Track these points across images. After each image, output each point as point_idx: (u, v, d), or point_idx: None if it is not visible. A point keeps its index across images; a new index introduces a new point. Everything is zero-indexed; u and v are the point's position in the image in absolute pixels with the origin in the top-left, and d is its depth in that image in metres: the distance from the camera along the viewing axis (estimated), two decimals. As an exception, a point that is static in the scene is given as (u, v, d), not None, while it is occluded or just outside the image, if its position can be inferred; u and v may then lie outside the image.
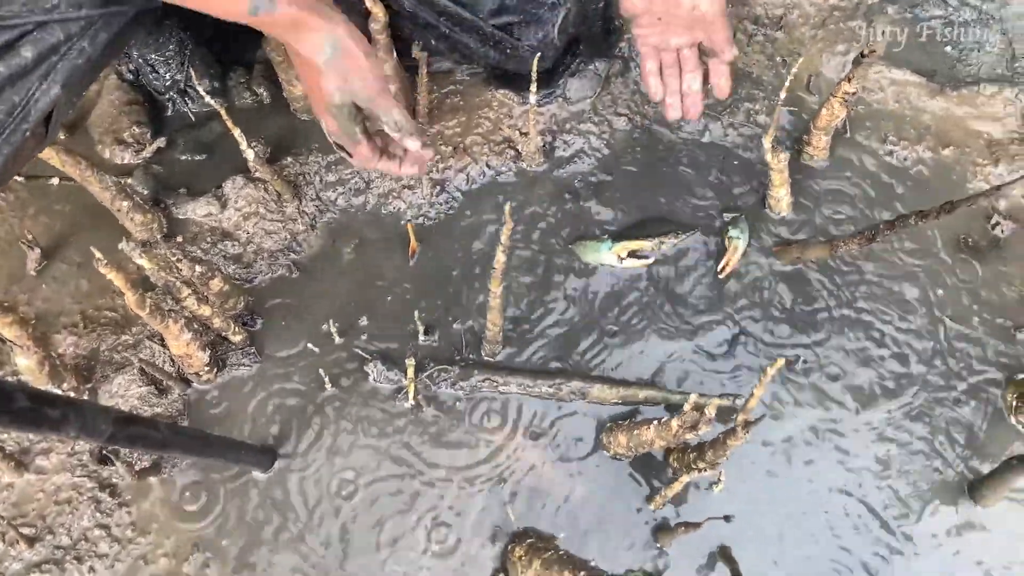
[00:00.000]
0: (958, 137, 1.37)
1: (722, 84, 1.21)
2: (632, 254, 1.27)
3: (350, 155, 1.09)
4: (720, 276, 1.26)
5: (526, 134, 1.31)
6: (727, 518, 1.08)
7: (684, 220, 1.31)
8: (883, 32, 1.02)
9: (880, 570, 1.08)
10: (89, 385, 1.17)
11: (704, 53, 1.20)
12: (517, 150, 1.35)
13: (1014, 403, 1.15)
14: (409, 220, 1.31)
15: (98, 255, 0.90)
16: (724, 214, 1.30)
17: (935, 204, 1.01)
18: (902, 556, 1.08)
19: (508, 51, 1.26)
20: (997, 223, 1.27)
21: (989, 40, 1.47)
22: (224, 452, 1.02)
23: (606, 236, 1.27)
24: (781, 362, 0.76)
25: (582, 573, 0.88)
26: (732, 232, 1.26)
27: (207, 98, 1.17)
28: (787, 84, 1.08)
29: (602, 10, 1.46)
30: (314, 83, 0.99)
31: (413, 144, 1.05)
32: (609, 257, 1.26)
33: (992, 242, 1.27)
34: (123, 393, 1.17)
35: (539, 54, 1.22)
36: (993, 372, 1.18)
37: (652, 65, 1.21)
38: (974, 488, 1.11)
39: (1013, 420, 1.15)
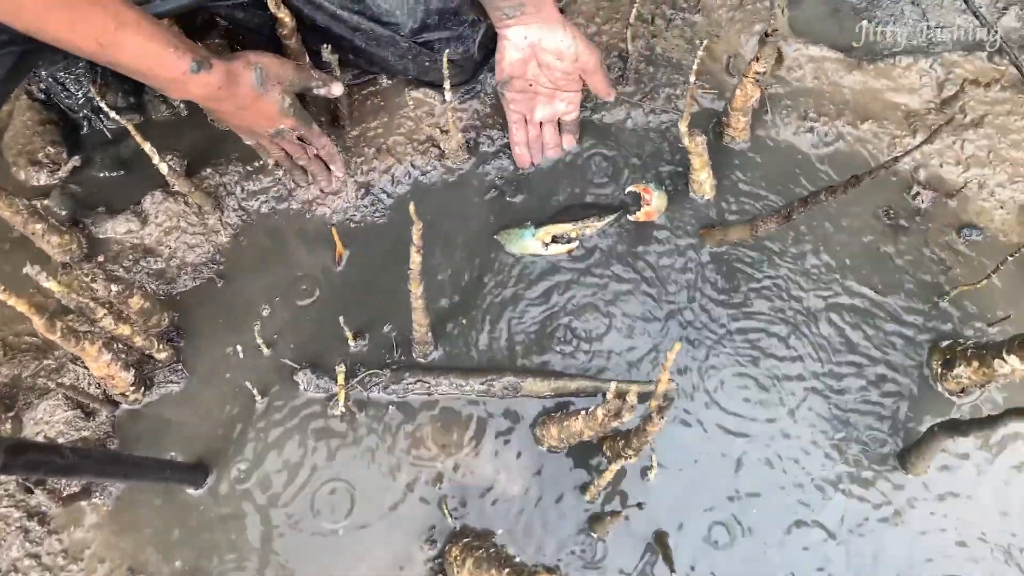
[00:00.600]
0: (876, 110, 1.38)
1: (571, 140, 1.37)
2: (556, 239, 1.26)
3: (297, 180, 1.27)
4: (631, 219, 1.29)
5: (447, 132, 1.30)
6: (639, 505, 1.08)
7: (608, 205, 1.31)
8: (782, 10, 1.02)
9: (816, 542, 1.08)
10: (12, 413, 1.15)
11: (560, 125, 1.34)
12: (440, 148, 1.34)
13: (939, 370, 1.16)
14: (334, 224, 1.30)
15: (-3, 283, 0.88)
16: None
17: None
18: (835, 532, 1.09)
19: (427, 64, 1.28)
20: (917, 193, 1.29)
21: (903, 12, 1.49)
22: (147, 472, 1.00)
23: (528, 223, 1.27)
24: (678, 347, 0.76)
25: (506, 570, 0.88)
26: (643, 183, 1.30)
27: (112, 114, 1.15)
28: (694, 68, 1.09)
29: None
30: (262, 106, 1.13)
31: (337, 89, 1.22)
32: (534, 244, 1.26)
33: (914, 212, 1.29)
34: (48, 419, 1.15)
35: (450, 52, 1.23)
36: (919, 340, 1.20)
37: (520, 136, 1.33)
38: (903, 457, 1.12)
39: (940, 387, 1.17)
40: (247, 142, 1.23)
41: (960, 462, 1.12)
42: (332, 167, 1.29)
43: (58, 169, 1.33)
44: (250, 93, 1.11)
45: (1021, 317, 1.20)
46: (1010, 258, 1.10)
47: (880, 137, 1.35)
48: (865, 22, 1.49)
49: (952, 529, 1.09)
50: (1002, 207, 1.30)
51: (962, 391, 1.15)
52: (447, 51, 1.24)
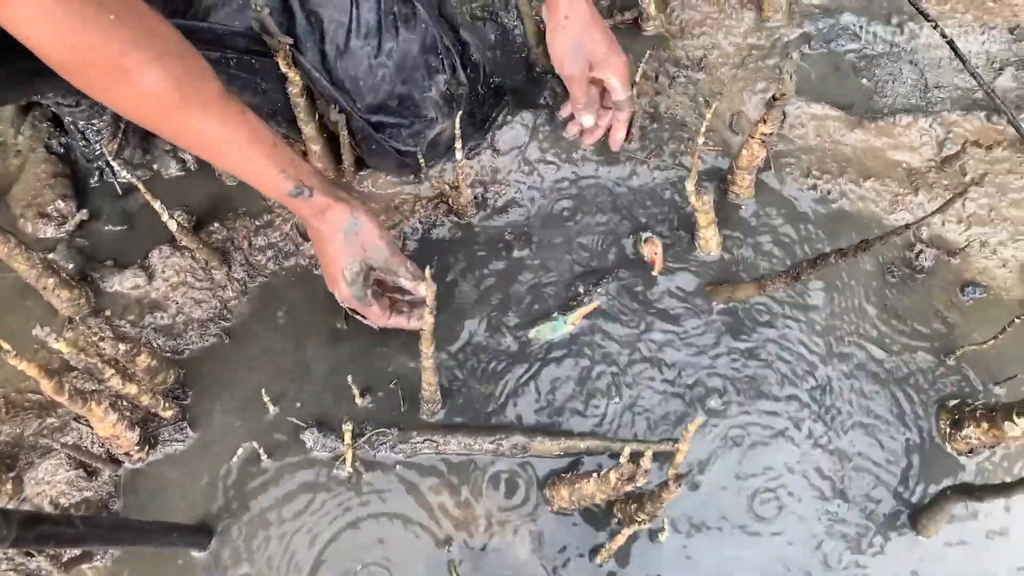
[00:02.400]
0: (878, 168, 1.40)
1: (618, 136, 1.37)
2: (585, 317, 1.27)
3: (363, 317, 1.20)
4: (654, 274, 1.30)
5: (456, 188, 1.31)
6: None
7: (614, 264, 1.32)
8: (790, 75, 1.04)
9: (828, 608, 1.08)
10: (13, 473, 1.13)
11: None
12: (449, 204, 1.35)
13: (948, 430, 1.16)
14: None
15: (6, 347, 0.87)
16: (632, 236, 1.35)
17: (860, 234, 1.03)
18: (849, 592, 1.08)
19: (372, 147, 1.28)
20: (920, 251, 1.30)
21: (902, 71, 1.52)
22: (153, 537, 0.99)
23: (556, 314, 1.27)
24: (699, 420, 0.76)
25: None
26: (644, 235, 1.31)
27: (123, 173, 1.16)
28: (703, 129, 1.10)
29: (524, 60, 1.48)
30: (330, 254, 1.12)
31: (423, 289, 1.13)
32: (568, 329, 1.26)
33: (917, 270, 1.30)
34: (49, 479, 1.13)
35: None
36: (926, 399, 1.20)
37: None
38: (915, 519, 1.11)
39: (949, 447, 1.17)
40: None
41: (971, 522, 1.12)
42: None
43: (65, 222, 1.33)
44: (330, 236, 1.11)
45: (1028, 377, 1.21)
46: (1017, 320, 1.11)
47: (882, 195, 1.37)
48: (864, 80, 1.51)
49: (965, 593, 1.08)
50: (1004, 265, 1.31)
51: (971, 451, 1.15)
52: (395, 147, 1.26)
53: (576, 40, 1.25)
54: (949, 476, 1.15)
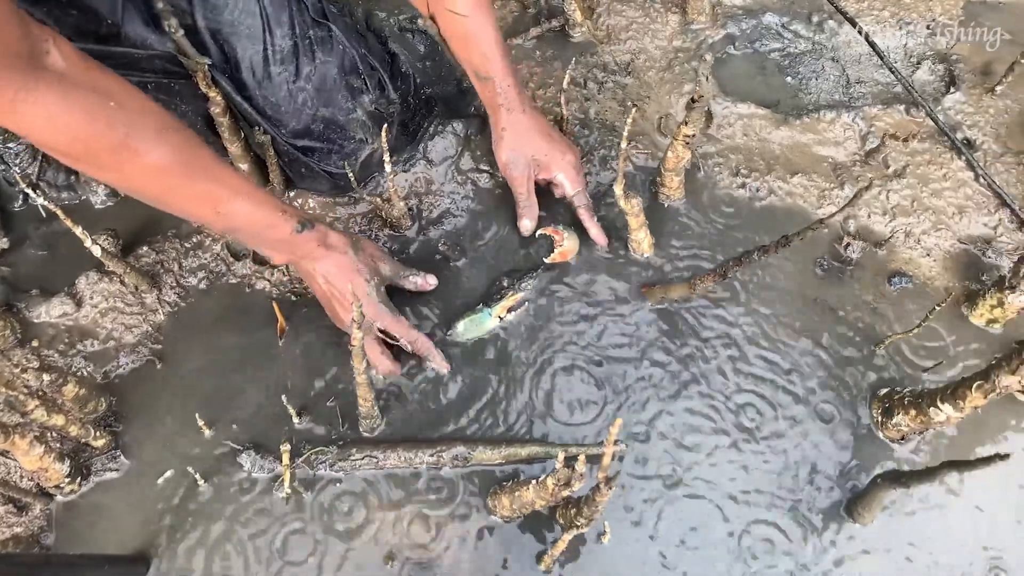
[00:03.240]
0: (805, 164, 1.43)
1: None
2: (510, 309, 1.27)
3: (377, 367, 1.22)
4: (546, 261, 1.31)
5: (388, 201, 1.31)
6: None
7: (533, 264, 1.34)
8: (706, 76, 1.06)
9: (770, 600, 1.09)
10: (-62, 513, 1.10)
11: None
12: (383, 217, 1.34)
13: (880, 418, 1.19)
14: (275, 298, 1.29)
15: (-83, 383, 0.84)
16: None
17: (790, 230, 1.04)
18: (790, 583, 1.10)
19: (303, 171, 1.28)
20: (848, 244, 1.33)
21: (824, 68, 1.55)
22: (85, 571, 0.96)
23: (480, 306, 1.27)
24: (619, 422, 0.77)
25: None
26: (557, 226, 1.33)
27: (40, 200, 1.13)
28: (626, 132, 1.11)
29: (453, 71, 1.48)
30: (350, 276, 1.16)
31: (433, 280, 1.27)
32: (493, 323, 1.26)
33: (845, 262, 1.33)
34: (-23, 516, 1.10)
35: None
36: (857, 389, 1.22)
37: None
38: (851, 507, 1.13)
39: (882, 435, 1.19)
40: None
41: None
42: (431, 363, 1.22)
43: (-15, 253, 1.30)
44: (344, 262, 1.16)
45: (951, 363, 1.24)
46: (938, 307, 1.13)
47: (810, 190, 1.40)
48: (789, 78, 1.55)
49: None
50: (928, 255, 1.34)
51: (902, 438, 1.17)
52: (326, 170, 1.27)
53: (516, 150, 1.28)
54: (883, 463, 1.17)
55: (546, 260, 1.31)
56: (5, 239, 1.31)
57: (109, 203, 1.38)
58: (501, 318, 1.26)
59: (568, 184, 1.31)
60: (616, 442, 1.17)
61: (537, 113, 1.30)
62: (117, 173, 0.94)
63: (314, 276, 1.17)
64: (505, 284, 1.30)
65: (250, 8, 1.14)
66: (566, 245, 1.31)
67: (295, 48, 1.16)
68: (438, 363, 1.22)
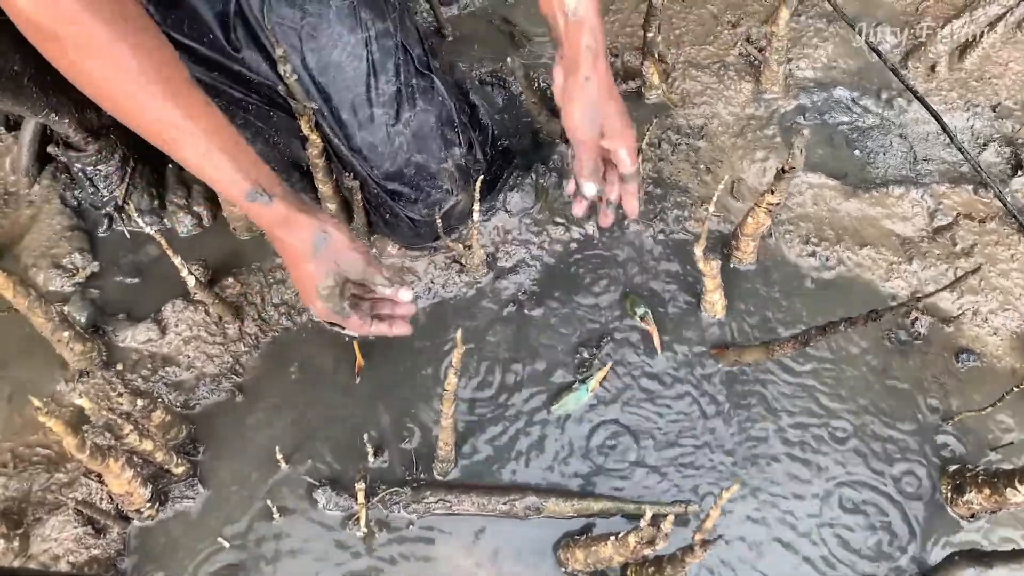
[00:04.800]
0: (873, 236, 1.45)
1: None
2: (601, 383, 1.29)
3: (343, 328, 1.15)
4: (660, 354, 1.32)
5: (469, 247, 1.34)
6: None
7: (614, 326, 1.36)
8: (800, 149, 1.09)
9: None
10: (20, 530, 1.11)
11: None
12: (461, 263, 1.37)
13: (950, 494, 1.19)
14: (355, 337, 1.31)
15: (37, 403, 0.87)
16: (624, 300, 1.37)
17: (857, 300, 1.07)
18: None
19: (387, 217, 1.31)
20: (916, 319, 1.35)
21: (892, 144, 1.59)
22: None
23: (575, 383, 1.29)
24: (736, 487, 0.78)
25: None
26: (639, 311, 1.34)
27: (142, 224, 1.17)
28: (715, 198, 1.14)
29: (530, 125, 1.52)
30: (303, 272, 1.08)
31: (405, 295, 1.15)
32: (589, 397, 1.28)
33: (913, 336, 1.34)
34: (56, 536, 1.11)
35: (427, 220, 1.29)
36: (928, 465, 1.23)
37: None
38: (921, 582, 1.14)
39: (951, 511, 1.20)
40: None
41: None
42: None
43: (77, 274, 1.33)
44: (300, 250, 1.06)
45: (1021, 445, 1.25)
46: (1016, 389, 1.15)
47: (878, 263, 1.42)
48: (856, 151, 1.58)
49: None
50: (995, 333, 1.36)
51: (972, 516, 1.18)
52: (409, 216, 1.28)
53: (594, 105, 1.16)
54: (952, 539, 1.17)
55: (659, 352, 1.33)
56: (96, 263, 1.34)
57: (194, 232, 1.42)
58: (595, 392, 1.28)
59: (627, 161, 1.22)
60: (688, 504, 1.19)
61: (609, 75, 1.19)
62: (75, 67, 0.90)
63: (277, 251, 1.12)
64: (586, 355, 1.32)
65: (358, 52, 1.18)
66: (654, 326, 1.33)
67: (398, 93, 1.20)
68: (400, 331, 1.18)
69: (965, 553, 1.04)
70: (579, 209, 1.27)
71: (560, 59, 1.15)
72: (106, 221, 1.42)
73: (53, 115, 1.25)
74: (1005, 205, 1.45)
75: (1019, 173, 1.51)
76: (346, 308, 1.11)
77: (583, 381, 1.28)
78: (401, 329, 1.18)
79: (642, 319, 1.33)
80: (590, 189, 1.23)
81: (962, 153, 1.48)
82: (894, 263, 1.42)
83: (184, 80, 0.96)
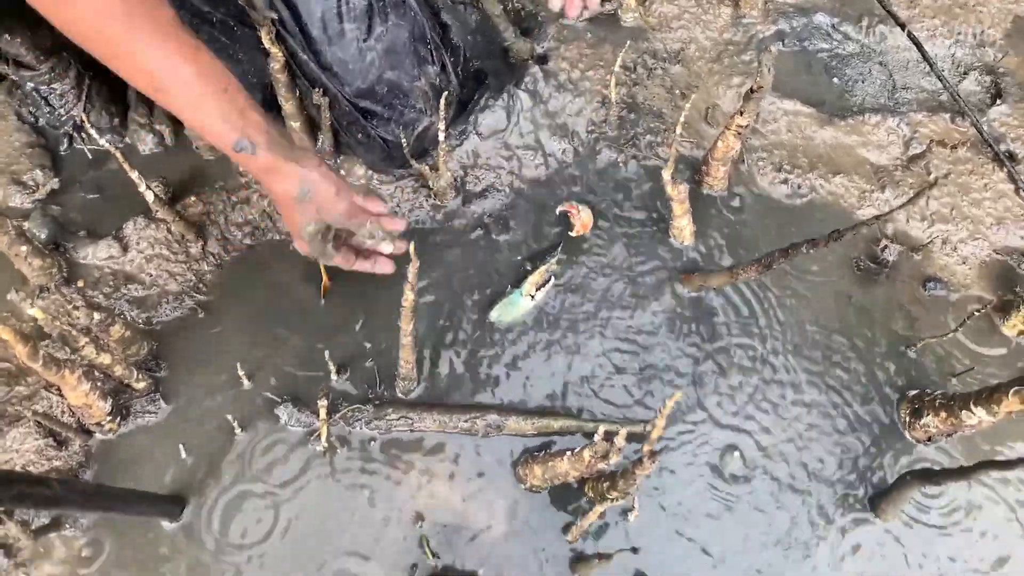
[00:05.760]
0: (847, 164, 1.44)
1: None
2: (539, 288, 1.28)
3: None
4: (572, 235, 1.34)
5: (436, 170, 1.32)
6: (634, 550, 1.10)
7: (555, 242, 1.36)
8: (768, 68, 1.07)
9: (789, 586, 1.11)
10: (-19, 441, 1.12)
11: None
12: (429, 187, 1.36)
13: (908, 419, 1.21)
14: (319, 258, 1.30)
15: (-15, 308, 0.86)
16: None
17: (828, 229, 1.06)
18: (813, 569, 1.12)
19: (359, 136, 1.28)
20: (885, 246, 1.34)
21: (871, 71, 1.56)
22: (127, 505, 0.98)
23: (508, 287, 1.29)
24: (678, 395, 0.78)
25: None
26: (559, 208, 1.36)
27: (102, 141, 1.14)
28: (681, 119, 1.12)
29: (503, 47, 1.49)
30: (288, 216, 1.11)
31: (387, 248, 1.18)
32: (526, 303, 1.27)
33: (881, 264, 1.34)
34: (18, 447, 1.11)
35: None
36: (887, 389, 1.24)
37: None
38: (875, 503, 1.15)
39: (908, 435, 1.21)
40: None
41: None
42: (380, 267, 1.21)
43: (36, 191, 1.31)
44: (285, 198, 1.07)
45: (982, 369, 1.25)
46: (976, 313, 1.15)
47: (851, 191, 1.41)
48: (835, 79, 1.56)
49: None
50: (964, 262, 1.36)
51: (929, 439, 1.19)
52: (381, 137, 1.26)
53: None
54: (907, 462, 1.19)
55: (571, 234, 1.33)
56: (56, 179, 1.32)
57: (157, 150, 1.39)
58: (532, 296, 1.28)
59: None
60: (646, 423, 1.19)
61: None
62: (58, 10, 0.87)
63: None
64: (529, 268, 1.31)
65: None
66: (583, 217, 1.33)
67: (369, 7, 1.17)
68: (382, 270, 1.20)
69: (916, 472, 1.05)
70: (555, 3, 1.42)
71: None
72: (66, 140, 1.39)
73: (5, 35, 1.21)
74: (981, 134, 1.43)
75: (997, 102, 1.49)
76: (329, 250, 1.13)
77: (517, 287, 1.28)
78: (384, 267, 1.20)
79: (565, 204, 1.35)
80: (554, 3, 1.39)
81: (941, 81, 1.46)
82: (867, 191, 1.41)
83: (172, 22, 0.93)
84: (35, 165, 1.33)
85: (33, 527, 1.07)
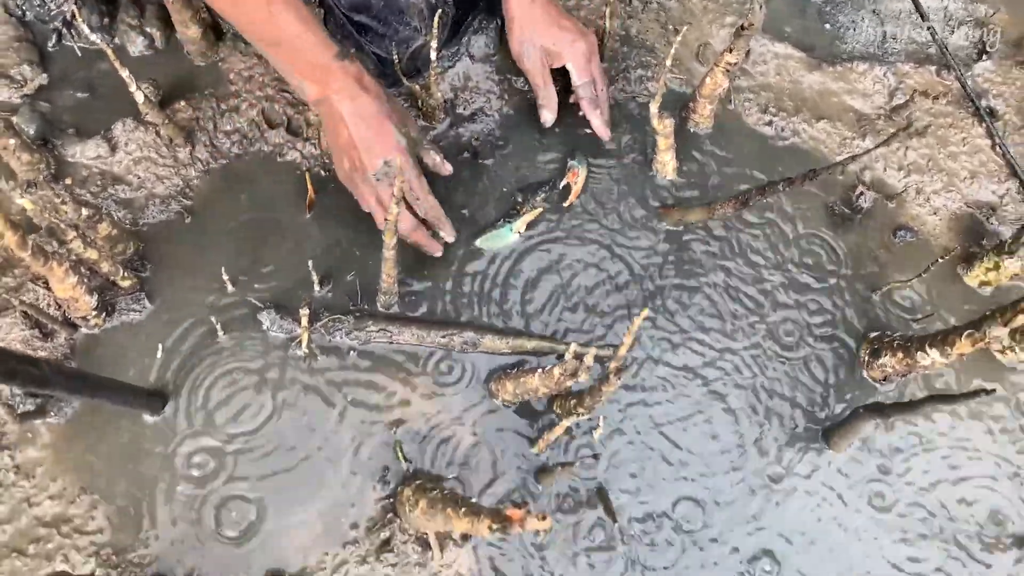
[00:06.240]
0: (831, 110, 1.46)
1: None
2: (529, 225, 1.31)
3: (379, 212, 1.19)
4: (565, 205, 1.34)
5: (428, 90, 1.33)
6: (595, 456, 1.15)
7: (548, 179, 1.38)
8: (760, 5, 1.08)
9: (743, 509, 1.17)
10: (-33, 329, 1.14)
11: None
12: (419, 107, 1.37)
13: (866, 358, 1.26)
14: (307, 170, 1.32)
15: (-24, 193, 0.88)
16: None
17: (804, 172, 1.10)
18: (767, 495, 1.18)
19: (352, 51, 1.27)
20: (861, 193, 1.38)
21: (863, 20, 1.57)
22: (111, 394, 1.02)
23: (501, 221, 1.31)
24: (646, 312, 0.82)
25: (463, 508, 0.93)
26: (572, 162, 1.35)
27: (92, 36, 1.14)
28: (671, 52, 1.14)
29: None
30: (381, 120, 1.13)
31: (448, 168, 1.26)
32: (513, 238, 1.30)
33: (856, 210, 1.37)
34: (4, 336, 1.14)
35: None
36: (851, 329, 1.29)
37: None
38: (828, 435, 1.21)
39: (867, 374, 1.26)
40: (348, 186, 1.19)
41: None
42: (441, 231, 1.23)
43: (24, 85, 1.31)
44: (377, 101, 1.13)
45: (942, 315, 1.30)
46: (940, 260, 1.19)
47: (832, 136, 1.44)
48: (827, 25, 1.57)
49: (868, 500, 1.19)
50: (935, 213, 1.40)
51: (884, 379, 1.24)
52: (374, 52, 1.27)
53: (526, 40, 1.29)
54: (862, 399, 1.24)
55: (564, 204, 1.34)
56: (45, 75, 1.31)
57: (147, 53, 1.39)
58: (521, 233, 1.31)
59: (575, 73, 1.29)
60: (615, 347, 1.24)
61: (546, 0, 1.28)
62: None
63: (342, 118, 1.13)
64: (520, 200, 1.33)
65: None
66: (580, 180, 1.35)
67: None
68: (447, 231, 1.23)
69: (868, 406, 1.11)
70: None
71: None
72: (55, 36, 1.38)
73: None
74: (965, 88, 1.46)
75: (983, 58, 1.51)
76: (419, 170, 1.18)
77: (509, 220, 1.31)
78: (434, 248, 1.24)
79: (569, 170, 1.35)
80: (547, 117, 1.34)
81: (930, 32, 1.47)
82: (847, 138, 1.44)
83: None
84: (22, 60, 1.33)
85: (19, 411, 1.10)
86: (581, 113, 1.34)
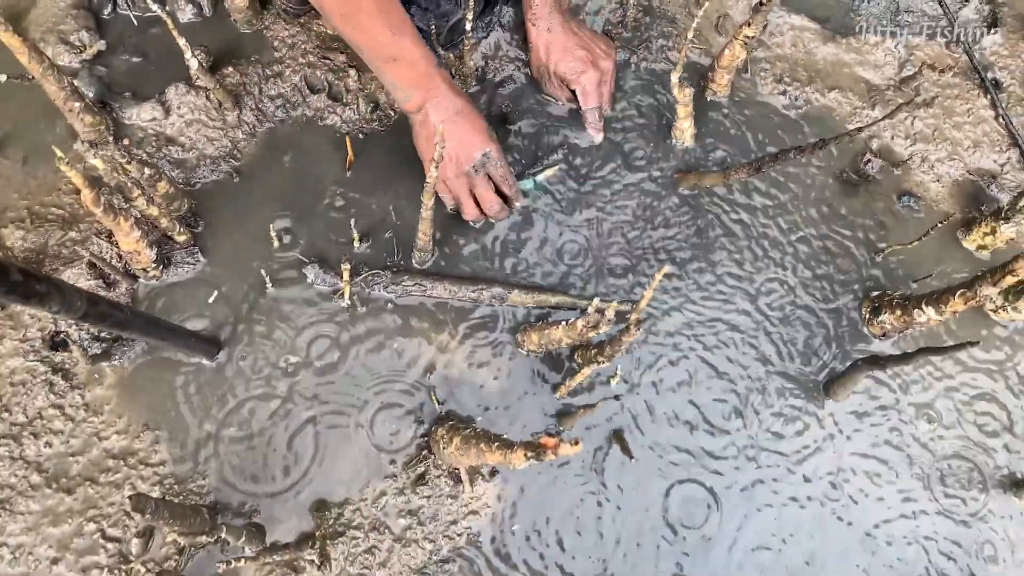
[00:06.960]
0: (843, 81, 1.53)
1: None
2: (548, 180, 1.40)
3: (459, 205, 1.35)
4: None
5: (461, 58, 1.40)
6: (617, 397, 1.25)
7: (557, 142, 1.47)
8: (778, -16, 1.15)
9: (748, 457, 1.27)
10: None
11: None
12: (451, 73, 1.44)
13: (867, 315, 1.35)
14: (347, 133, 1.40)
15: (60, 154, 0.97)
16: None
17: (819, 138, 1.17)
18: (769, 445, 1.28)
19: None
20: (869, 160, 1.45)
21: (878, -7, 1.63)
22: (177, 338, 1.12)
23: (525, 175, 1.40)
24: (666, 268, 0.91)
25: (495, 443, 1.03)
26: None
27: (151, 4, 1.22)
28: (693, 26, 1.21)
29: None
30: (470, 118, 1.27)
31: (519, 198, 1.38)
32: (532, 187, 1.39)
33: (864, 177, 1.45)
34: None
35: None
36: (854, 287, 1.38)
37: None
38: (829, 386, 1.31)
39: (866, 329, 1.35)
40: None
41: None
42: (516, 202, 1.37)
43: (83, 51, 1.39)
44: (469, 101, 1.28)
45: (941, 276, 1.39)
46: (939, 225, 1.27)
47: (843, 106, 1.51)
48: (843, -2, 1.63)
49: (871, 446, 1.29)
50: (938, 181, 1.47)
51: (884, 335, 1.33)
52: (426, 16, 1.34)
53: (543, 65, 1.41)
54: (862, 352, 1.33)
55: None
56: (102, 41, 1.40)
57: (195, 20, 1.47)
58: (540, 182, 1.40)
59: (580, 99, 1.41)
60: (634, 303, 1.33)
61: (566, 29, 1.38)
62: None
63: (447, 118, 1.25)
64: (540, 154, 1.43)
65: None
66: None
67: None
68: (520, 201, 1.37)
69: (866, 358, 1.20)
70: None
71: (527, 14, 1.38)
72: (110, 4, 1.46)
73: None
74: (972, 60, 1.52)
75: (992, 31, 1.57)
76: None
77: (535, 175, 1.40)
78: (505, 215, 1.37)
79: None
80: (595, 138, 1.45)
81: (940, 6, 1.53)
82: (858, 107, 1.51)
83: None
84: (80, 26, 1.41)
85: (91, 354, 1.21)
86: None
